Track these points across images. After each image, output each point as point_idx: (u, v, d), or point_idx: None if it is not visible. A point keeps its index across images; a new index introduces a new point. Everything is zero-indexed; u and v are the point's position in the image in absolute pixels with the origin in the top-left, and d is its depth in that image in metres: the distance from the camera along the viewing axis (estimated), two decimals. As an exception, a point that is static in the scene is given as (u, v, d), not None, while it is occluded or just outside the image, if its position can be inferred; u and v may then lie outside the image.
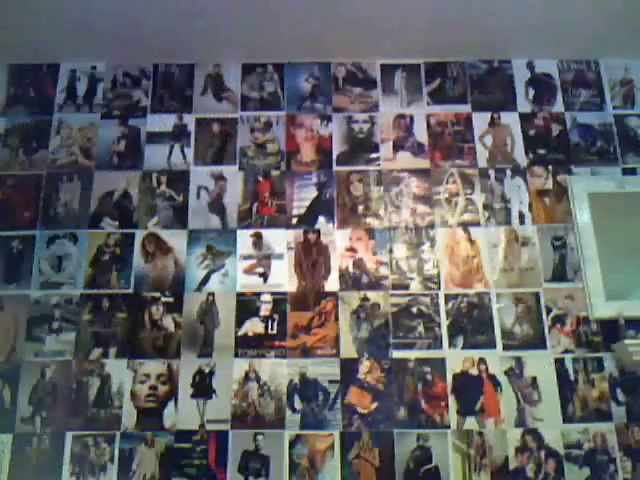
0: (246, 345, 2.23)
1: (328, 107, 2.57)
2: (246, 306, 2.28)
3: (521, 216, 2.42)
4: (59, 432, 2.12)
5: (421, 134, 2.54)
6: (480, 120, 2.55)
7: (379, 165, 2.49)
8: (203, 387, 2.18)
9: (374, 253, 2.36)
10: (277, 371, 2.20)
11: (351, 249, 2.37)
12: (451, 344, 2.24)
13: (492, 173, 2.48)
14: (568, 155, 2.51)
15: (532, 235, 2.39)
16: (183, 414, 2.15)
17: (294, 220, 2.40)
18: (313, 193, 2.44)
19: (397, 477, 2.09)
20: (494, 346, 2.24)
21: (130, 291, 2.30)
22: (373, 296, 2.30)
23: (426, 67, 2.63)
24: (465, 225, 2.41)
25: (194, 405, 2.16)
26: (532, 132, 2.54)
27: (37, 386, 2.17)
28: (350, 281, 2.32)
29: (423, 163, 2.49)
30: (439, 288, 2.31)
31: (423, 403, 2.17)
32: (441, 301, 2.29)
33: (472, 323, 2.27)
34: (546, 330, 2.26)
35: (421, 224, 2.41)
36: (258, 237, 2.37)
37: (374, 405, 2.17)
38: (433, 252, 2.37)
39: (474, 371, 2.21)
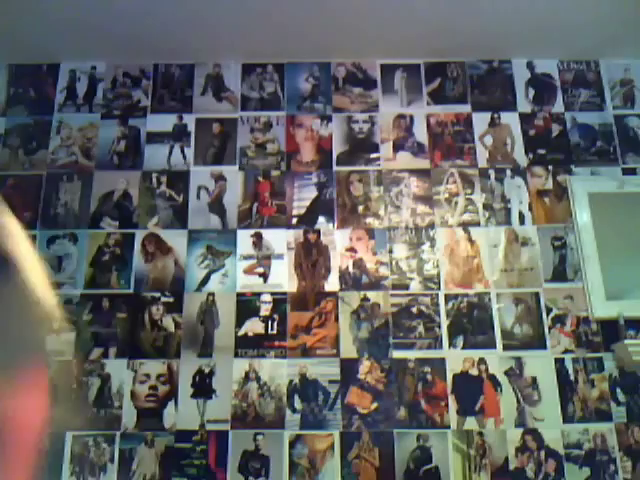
0: (246, 345, 2.23)
1: (328, 107, 2.56)
2: (246, 306, 2.28)
3: (521, 216, 2.42)
4: (59, 432, 2.12)
5: (421, 134, 2.53)
6: (480, 120, 2.55)
7: (379, 165, 2.48)
8: (203, 387, 2.18)
9: (374, 253, 2.36)
10: (277, 371, 2.20)
11: (351, 249, 2.36)
12: (451, 344, 2.24)
13: (492, 173, 2.48)
14: (568, 155, 2.51)
15: (532, 235, 2.39)
16: (183, 414, 2.15)
17: (294, 220, 2.40)
18: (313, 193, 2.44)
19: (397, 477, 2.09)
20: (494, 346, 2.24)
21: (130, 291, 2.30)
22: (373, 296, 2.29)
23: (426, 67, 2.62)
24: (465, 225, 2.40)
25: (194, 405, 2.16)
26: (532, 132, 2.54)
27: (37, 386, 2.17)
28: (350, 281, 2.32)
29: (423, 163, 2.49)
30: (439, 288, 2.31)
31: (423, 403, 2.17)
32: (441, 301, 2.29)
33: (472, 323, 2.26)
34: (546, 330, 2.26)
35: (421, 224, 2.40)
36: (258, 237, 2.37)
37: (374, 405, 2.17)
38: (433, 252, 2.36)
39: (474, 371, 2.21)
